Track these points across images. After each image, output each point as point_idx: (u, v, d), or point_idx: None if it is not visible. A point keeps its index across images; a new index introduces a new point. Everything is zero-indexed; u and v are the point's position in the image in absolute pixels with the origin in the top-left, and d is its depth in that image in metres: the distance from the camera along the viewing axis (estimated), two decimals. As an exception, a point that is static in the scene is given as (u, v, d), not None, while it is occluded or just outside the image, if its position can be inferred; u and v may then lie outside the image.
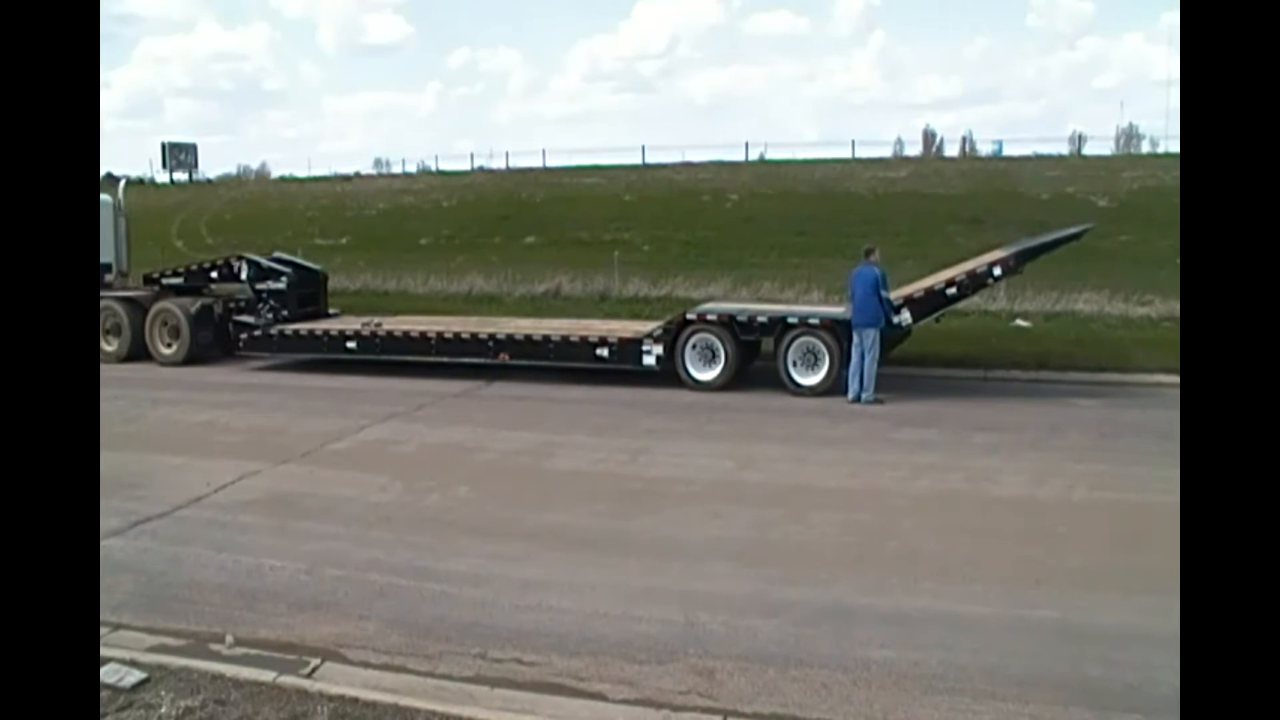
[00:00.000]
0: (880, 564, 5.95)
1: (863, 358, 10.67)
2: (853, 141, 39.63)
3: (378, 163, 55.96)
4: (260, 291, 14.05)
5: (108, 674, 4.29)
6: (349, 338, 13.16)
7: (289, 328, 13.59)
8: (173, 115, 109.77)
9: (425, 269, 21.22)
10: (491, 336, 12.53)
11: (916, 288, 11.55)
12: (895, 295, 11.41)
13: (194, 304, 14.20)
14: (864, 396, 10.63)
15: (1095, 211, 22.81)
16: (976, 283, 11.14)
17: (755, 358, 12.05)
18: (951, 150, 50.69)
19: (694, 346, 11.65)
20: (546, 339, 12.34)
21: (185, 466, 8.33)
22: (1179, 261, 2.61)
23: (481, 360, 12.47)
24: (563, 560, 6.06)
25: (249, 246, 18.63)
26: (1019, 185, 26.30)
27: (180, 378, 13.17)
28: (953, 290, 11.07)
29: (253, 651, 4.82)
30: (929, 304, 11.15)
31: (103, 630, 4.62)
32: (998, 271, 11.01)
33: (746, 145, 41.68)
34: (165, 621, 5.18)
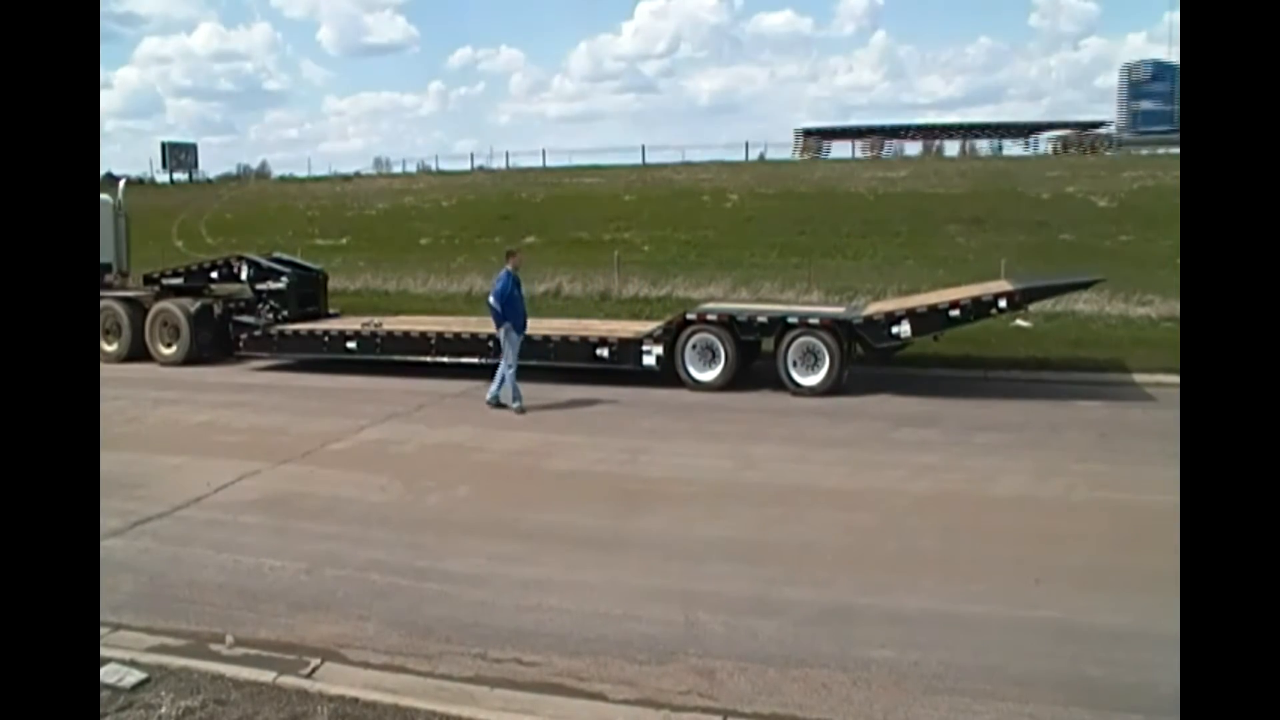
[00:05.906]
0: (880, 564, 5.95)
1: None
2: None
3: (378, 163, 56.12)
4: (260, 292, 14.06)
5: (108, 674, 4.29)
6: (349, 338, 13.16)
7: (289, 328, 13.59)
8: (173, 115, 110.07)
9: (425, 269, 21.24)
10: (491, 336, 12.50)
11: (920, 302, 11.50)
12: (897, 305, 11.38)
13: (194, 304, 14.20)
14: (509, 399, 10.58)
15: (1095, 211, 22.83)
16: (980, 310, 11.08)
17: (755, 358, 12.04)
18: (952, 150, 50.72)
19: (694, 347, 11.65)
20: (546, 339, 12.32)
21: (185, 466, 8.33)
22: (1179, 261, 2.61)
23: (481, 360, 12.47)
24: (563, 560, 6.06)
25: (249, 246, 18.70)
26: (1019, 185, 26.28)
27: (180, 378, 13.16)
28: (956, 313, 11.02)
29: (253, 651, 4.82)
30: (931, 321, 11.10)
31: (103, 630, 4.62)
32: (1003, 304, 10.97)
33: (747, 145, 41.76)
34: (165, 621, 5.18)
